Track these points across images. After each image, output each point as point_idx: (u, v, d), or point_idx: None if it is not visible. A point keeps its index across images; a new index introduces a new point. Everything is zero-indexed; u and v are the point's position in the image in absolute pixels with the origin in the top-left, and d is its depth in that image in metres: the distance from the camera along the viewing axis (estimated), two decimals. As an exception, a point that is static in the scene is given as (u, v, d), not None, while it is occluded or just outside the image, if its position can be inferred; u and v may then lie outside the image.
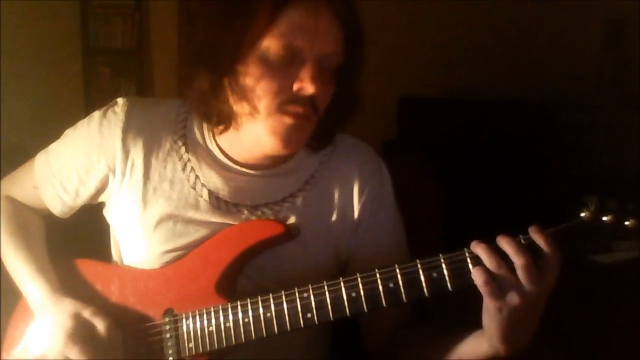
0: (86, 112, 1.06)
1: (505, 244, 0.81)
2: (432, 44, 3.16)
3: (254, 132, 0.93)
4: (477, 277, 0.81)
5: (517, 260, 0.80)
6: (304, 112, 0.90)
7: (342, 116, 1.01)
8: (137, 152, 1.00)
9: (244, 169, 1.00)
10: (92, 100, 3.02)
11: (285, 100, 0.90)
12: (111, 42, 3.06)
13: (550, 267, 0.80)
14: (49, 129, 1.08)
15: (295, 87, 0.89)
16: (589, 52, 3.16)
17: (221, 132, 0.99)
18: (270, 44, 0.88)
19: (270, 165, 1.01)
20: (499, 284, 0.80)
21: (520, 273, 0.80)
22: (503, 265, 0.81)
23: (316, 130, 0.98)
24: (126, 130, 1.00)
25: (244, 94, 0.90)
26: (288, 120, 0.90)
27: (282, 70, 0.89)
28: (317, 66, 0.89)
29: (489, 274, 0.80)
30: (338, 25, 0.91)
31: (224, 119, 0.96)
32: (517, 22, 3.16)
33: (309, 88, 0.88)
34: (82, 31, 3.01)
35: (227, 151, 1.01)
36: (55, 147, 1.07)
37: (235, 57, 0.90)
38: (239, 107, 0.92)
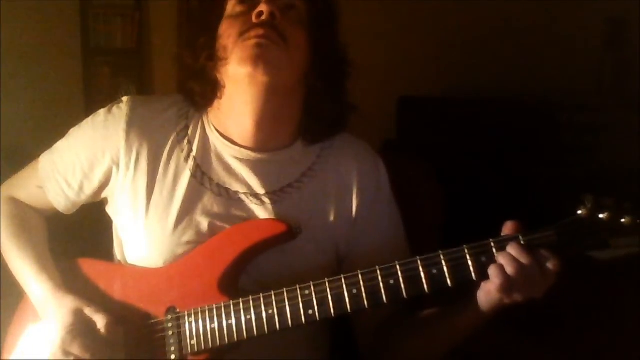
0: (86, 112, 1.07)
1: (509, 247, 0.85)
2: (432, 44, 3.16)
3: (233, 77, 0.97)
4: (494, 275, 0.84)
5: (523, 260, 0.84)
6: (264, 32, 0.94)
7: (331, 81, 1.03)
8: (141, 146, 1.02)
9: (243, 150, 1.02)
10: (92, 100, 3.01)
11: (246, 29, 0.95)
12: (111, 42, 3.05)
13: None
14: (49, 129, 1.09)
15: (252, 15, 0.96)
16: (589, 52, 3.16)
17: (214, 109, 1.04)
18: (232, 2, 0.99)
19: (266, 144, 1.03)
20: (511, 282, 0.84)
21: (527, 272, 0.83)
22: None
23: (310, 114, 1.02)
24: (130, 124, 1.02)
25: (219, 54, 0.98)
26: (250, 42, 0.94)
27: (242, 16, 0.97)
28: (274, 2, 0.96)
29: (504, 273, 0.83)
30: None
31: (212, 90, 1.02)
32: (517, 22, 3.16)
33: (262, 7, 0.95)
34: (82, 31, 3.00)
35: (223, 132, 1.04)
36: (60, 145, 1.09)
37: (214, 27, 0.99)
38: (219, 67, 0.99)
